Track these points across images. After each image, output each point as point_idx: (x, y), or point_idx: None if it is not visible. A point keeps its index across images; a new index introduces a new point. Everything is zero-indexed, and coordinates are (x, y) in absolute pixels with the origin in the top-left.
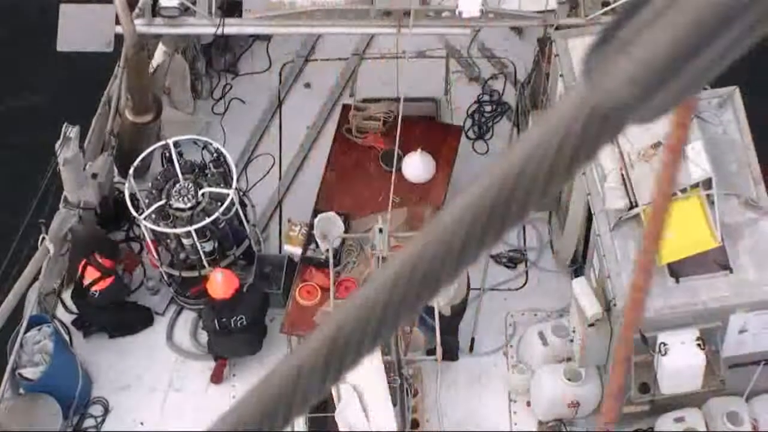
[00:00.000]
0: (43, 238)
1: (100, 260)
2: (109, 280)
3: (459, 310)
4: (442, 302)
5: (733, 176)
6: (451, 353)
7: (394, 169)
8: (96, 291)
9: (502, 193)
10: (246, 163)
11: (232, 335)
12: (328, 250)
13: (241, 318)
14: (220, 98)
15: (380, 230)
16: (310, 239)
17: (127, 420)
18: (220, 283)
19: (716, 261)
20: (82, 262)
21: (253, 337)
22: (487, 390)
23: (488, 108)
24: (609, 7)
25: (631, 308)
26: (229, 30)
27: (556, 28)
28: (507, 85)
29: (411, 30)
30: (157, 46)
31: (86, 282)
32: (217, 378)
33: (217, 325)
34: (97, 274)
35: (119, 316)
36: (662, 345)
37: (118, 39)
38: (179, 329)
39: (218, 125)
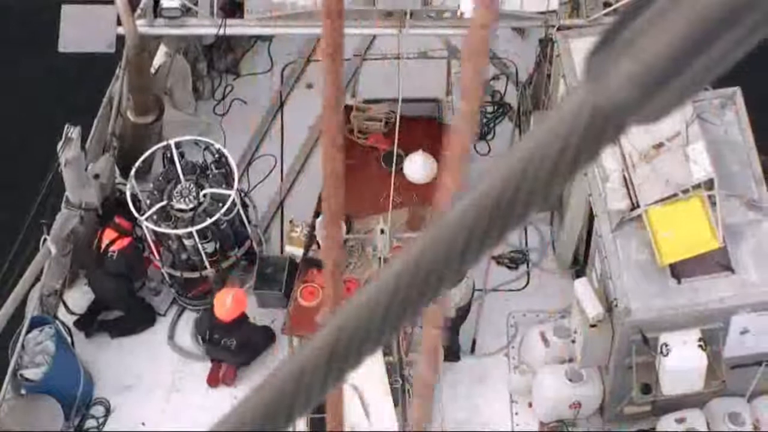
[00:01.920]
0: (45, 239)
1: (117, 221)
2: (126, 241)
3: (463, 312)
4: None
5: (735, 177)
6: (452, 354)
7: (393, 170)
8: (114, 252)
9: (504, 193)
10: (247, 163)
11: (217, 347)
12: None
13: (232, 342)
14: (222, 99)
15: (382, 231)
16: (311, 240)
17: (128, 421)
18: (228, 306)
19: (718, 262)
20: (100, 230)
21: (239, 359)
22: (488, 391)
23: (490, 109)
24: (611, 8)
25: None
26: (231, 31)
27: (558, 29)
28: (509, 86)
29: (412, 31)
30: (159, 46)
31: (104, 244)
32: (213, 380)
33: (207, 335)
34: (115, 235)
35: (129, 297)
36: (664, 346)
37: (120, 40)
38: (181, 330)
39: (220, 126)
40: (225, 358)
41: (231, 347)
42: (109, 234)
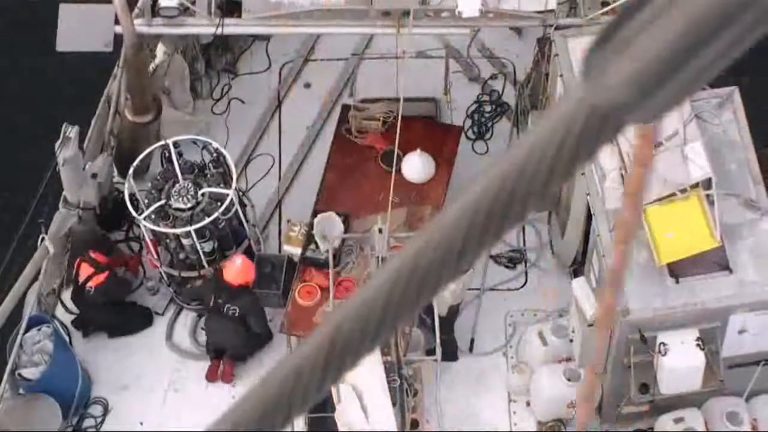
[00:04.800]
0: (43, 238)
1: (93, 256)
2: (103, 276)
3: (455, 310)
4: (450, 299)
5: (733, 176)
6: (450, 353)
7: (393, 169)
8: (91, 287)
9: (502, 192)
10: (245, 163)
11: (219, 316)
12: (327, 251)
13: (235, 309)
14: (220, 98)
15: (380, 230)
16: (309, 239)
17: (126, 420)
18: (237, 267)
19: (716, 261)
20: (77, 260)
21: (241, 331)
22: (486, 390)
23: (488, 108)
24: (608, 7)
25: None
26: (229, 30)
27: (556, 28)
28: (507, 85)
29: (410, 30)
30: (157, 46)
31: (81, 279)
32: (212, 375)
33: (211, 302)
34: (91, 270)
35: (118, 315)
36: (662, 345)
37: (118, 39)
38: (179, 329)
39: (218, 125)
40: (224, 339)
41: (234, 316)
42: (85, 269)
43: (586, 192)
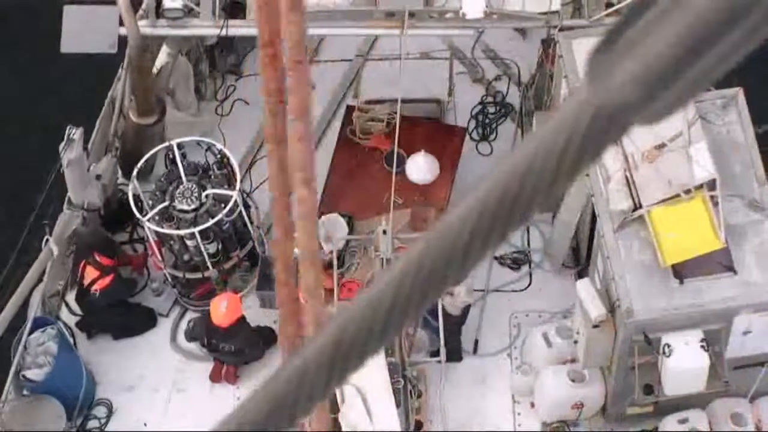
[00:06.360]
0: (47, 240)
1: (98, 259)
2: (108, 279)
3: (466, 311)
4: (466, 298)
5: (737, 177)
6: (455, 354)
7: (394, 170)
8: (96, 290)
9: (507, 193)
10: (250, 164)
11: (217, 352)
12: (332, 252)
13: (231, 347)
14: (224, 100)
15: (384, 232)
16: None
17: (130, 421)
18: (223, 311)
19: (720, 262)
20: (82, 263)
21: (240, 360)
22: (490, 391)
23: (492, 109)
24: (612, 9)
25: None
26: (233, 31)
27: (560, 29)
28: (511, 87)
29: (414, 31)
30: (161, 47)
31: (86, 282)
32: (216, 376)
33: (205, 341)
34: (96, 273)
35: (123, 316)
36: (666, 346)
37: (122, 40)
38: (183, 331)
39: (222, 127)
40: (226, 360)
41: (231, 351)
42: (90, 272)
43: (589, 193)
